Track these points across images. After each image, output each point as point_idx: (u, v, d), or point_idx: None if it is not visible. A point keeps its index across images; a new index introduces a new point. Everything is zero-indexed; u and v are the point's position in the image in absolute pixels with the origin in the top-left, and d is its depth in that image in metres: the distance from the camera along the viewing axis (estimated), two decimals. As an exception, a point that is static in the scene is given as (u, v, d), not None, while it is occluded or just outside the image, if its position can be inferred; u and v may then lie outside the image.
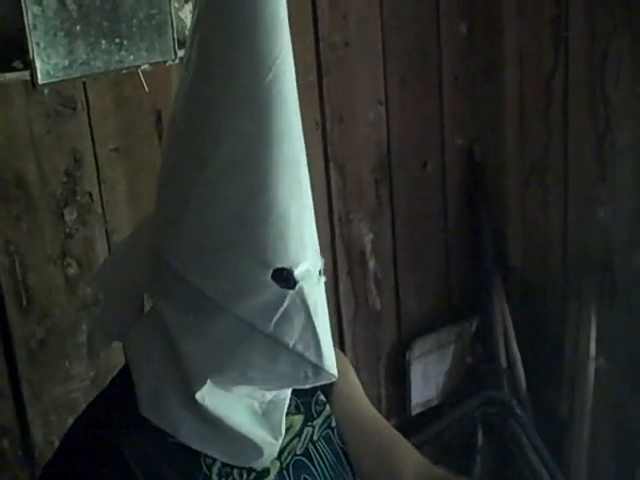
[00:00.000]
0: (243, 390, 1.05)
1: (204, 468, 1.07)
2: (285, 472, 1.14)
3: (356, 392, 1.31)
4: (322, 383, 1.06)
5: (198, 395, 1.01)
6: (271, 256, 0.98)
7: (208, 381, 1.01)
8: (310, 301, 1.00)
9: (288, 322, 0.99)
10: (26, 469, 1.66)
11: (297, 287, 0.99)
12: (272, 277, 0.98)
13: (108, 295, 1.16)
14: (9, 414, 1.63)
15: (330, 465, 1.19)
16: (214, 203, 0.99)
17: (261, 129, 0.97)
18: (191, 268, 1.00)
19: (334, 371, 1.02)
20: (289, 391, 1.12)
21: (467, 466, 2.36)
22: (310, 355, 1.00)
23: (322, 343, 1.01)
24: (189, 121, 1.02)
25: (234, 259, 0.98)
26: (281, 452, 1.13)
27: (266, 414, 1.08)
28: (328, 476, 1.18)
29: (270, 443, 1.07)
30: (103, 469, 1.01)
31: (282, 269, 0.99)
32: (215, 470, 1.08)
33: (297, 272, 0.99)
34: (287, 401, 1.11)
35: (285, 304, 0.99)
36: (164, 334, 1.03)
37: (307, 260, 1.01)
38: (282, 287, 0.99)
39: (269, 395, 1.08)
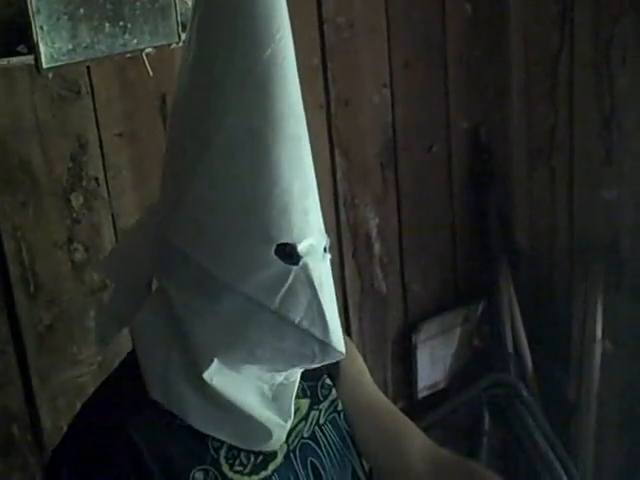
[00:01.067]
0: (252, 372, 1.05)
1: (212, 451, 1.07)
2: (292, 455, 1.15)
3: (363, 376, 1.31)
4: (330, 361, 1.06)
5: (206, 375, 1.01)
6: (274, 231, 0.98)
7: (215, 360, 1.01)
8: (315, 277, 1.00)
9: (293, 298, 0.99)
10: (35, 454, 1.67)
11: (301, 262, 0.99)
12: (276, 253, 0.98)
13: (117, 283, 1.16)
14: (18, 399, 1.64)
15: (336, 448, 1.20)
16: (217, 180, 0.99)
17: (262, 106, 0.98)
18: (196, 247, 1.00)
19: (341, 348, 1.02)
20: (298, 374, 1.12)
21: (474, 449, 2.36)
22: (316, 331, 1.00)
23: (328, 319, 1.00)
24: (191, 102, 1.03)
25: (238, 236, 0.99)
26: (288, 435, 1.14)
27: (276, 397, 1.08)
28: (334, 459, 1.19)
29: (279, 425, 1.08)
30: (111, 452, 1.02)
31: (285, 244, 0.98)
32: (222, 453, 1.08)
33: (301, 247, 0.99)
34: (296, 384, 1.12)
35: (289, 280, 0.99)
36: (170, 315, 1.03)
37: (311, 236, 1.01)
38: (286, 263, 0.99)
39: (279, 378, 1.08)
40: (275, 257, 0.98)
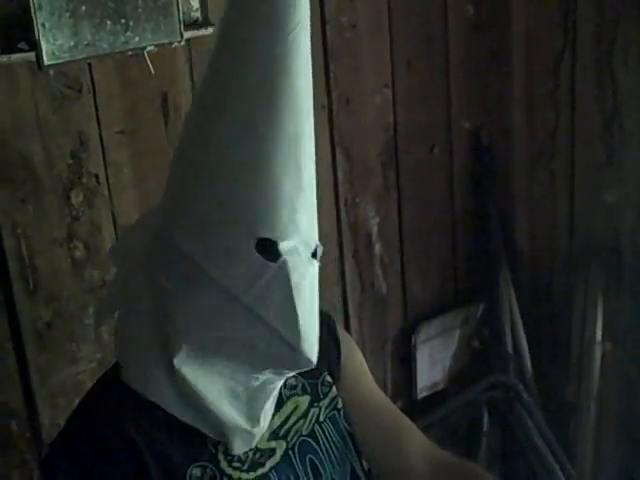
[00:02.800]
0: (225, 369, 1.03)
1: (210, 447, 1.07)
2: (291, 452, 1.15)
3: (363, 374, 1.31)
4: (299, 370, 1.04)
5: (175, 361, 1.00)
6: (257, 225, 0.97)
7: (184, 347, 1.00)
8: (293, 279, 0.98)
9: (268, 296, 0.98)
10: (34, 451, 1.67)
11: (280, 261, 0.98)
12: (256, 247, 0.97)
13: (119, 270, 1.16)
14: (17, 396, 1.64)
15: (336, 446, 1.20)
16: (212, 168, 0.99)
17: (263, 102, 0.97)
18: (186, 235, 1.00)
19: (312, 356, 0.99)
20: (279, 383, 1.10)
21: (473, 449, 2.36)
22: (287, 334, 0.98)
23: (301, 324, 0.98)
24: (200, 93, 1.04)
25: (222, 225, 0.98)
26: (287, 433, 1.14)
27: (249, 401, 1.06)
28: (333, 457, 1.19)
29: (244, 429, 1.06)
30: (109, 447, 1.02)
31: (267, 240, 0.97)
32: (221, 449, 1.08)
33: (282, 245, 0.98)
34: (274, 394, 1.10)
35: (266, 276, 0.97)
36: (153, 301, 1.03)
37: (297, 237, 0.99)
38: (265, 258, 0.98)
39: (255, 382, 1.05)
40: (254, 251, 0.97)
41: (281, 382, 1.10)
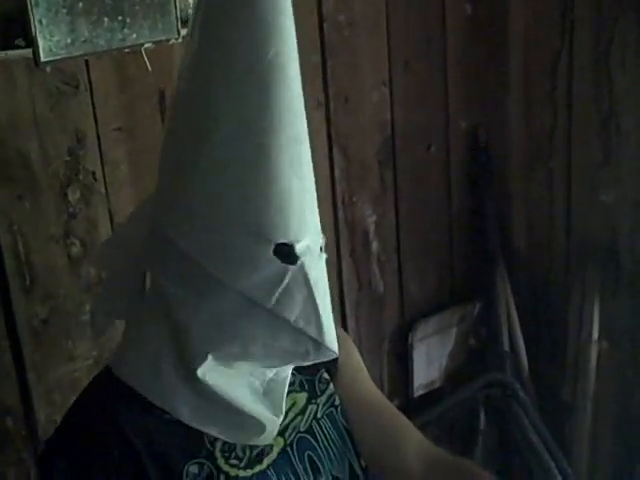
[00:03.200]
0: (244, 367, 1.05)
1: (207, 444, 1.08)
2: (289, 449, 1.15)
3: (360, 372, 1.32)
4: (323, 360, 1.07)
5: (199, 371, 1.01)
6: (272, 231, 0.98)
7: (209, 356, 1.01)
8: (311, 277, 1.01)
9: (289, 297, 1.00)
10: (30, 448, 1.67)
11: (298, 263, 1.00)
12: (274, 252, 0.99)
13: (110, 274, 1.16)
14: (13, 393, 1.64)
15: (333, 442, 1.20)
16: (216, 179, 0.99)
17: (262, 105, 0.97)
18: (193, 244, 1.00)
19: (335, 347, 1.03)
20: (290, 370, 1.12)
21: (469, 448, 2.37)
22: (311, 330, 1.01)
23: (323, 319, 1.01)
24: (192, 97, 1.03)
25: (235, 235, 0.99)
26: (285, 429, 1.14)
27: (267, 392, 1.09)
28: (331, 453, 1.19)
29: (271, 420, 1.08)
30: (105, 444, 1.02)
31: (284, 244, 0.99)
32: (218, 446, 1.08)
33: (298, 248, 0.99)
34: (288, 380, 1.12)
35: (286, 279, 0.99)
36: (165, 312, 1.03)
37: (308, 236, 1.01)
38: (284, 263, 0.99)
39: (270, 373, 1.08)
40: (273, 257, 0.99)
41: (291, 369, 1.13)
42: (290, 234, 0.99)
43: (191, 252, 1.00)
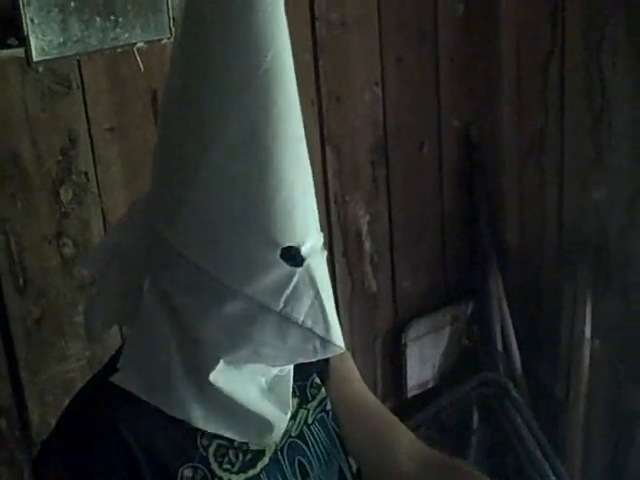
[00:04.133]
0: (250, 367, 1.06)
1: (200, 449, 1.07)
2: (280, 454, 1.15)
3: (352, 375, 1.31)
4: (330, 355, 1.07)
5: (212, 376, 1.01)
6: (279, 235, 0.98)
7: (221, 362, 1.01)
8: (317, 277, 1.01)
9: (297, 299, 1.00)
10: (23, 448, 1.67)
11: (305, 264, 1.00)
12: (280, 256, 0.99)
13: (104, 278, 1.15)
14: (6, 394, 1.64)
15: (324, 448, 1.20)
16: (220, 185, 0.98)
17: (262, 109, 0.97)
18: (198, 251, 1.00)
19: (341, 342, 1.03)
20: (292, 365, 1.12)
21: (462, 447, 2.37)
22: (319, 329, 1.01)
23: (329, 316, 1.01)
24: (188, 102, 1.01)
25: (242, 240, 0.98)
26: (276, 435, 1.14)
27: (272, 389, 1.09)
28: (322, 458, 1.19)
29: (279, 417, 1.09)
30: (101, 447, 1.02)
31: (290, 247, 0.99)
32: (211, 450, 1.08)
33: (304, 249, 1.00)
34: (292, 374, 1.13)
35: (294, 281, 0.99)
36: (173, 319, 1.03)
37: (311, 236, 1.01)
38: (290, 265, 0.99)
39: (274, 370, 1.09)
40: (280, 260, 0.99)
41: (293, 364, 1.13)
42: (296, 237, 0.99)
43: (196, 259, 0.99)
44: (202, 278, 0.99)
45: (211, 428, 1.05)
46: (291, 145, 0.99)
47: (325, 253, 1.06)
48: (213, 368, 1.01)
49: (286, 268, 0.99)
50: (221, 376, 1.02)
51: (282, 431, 1.10)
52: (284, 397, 1.10)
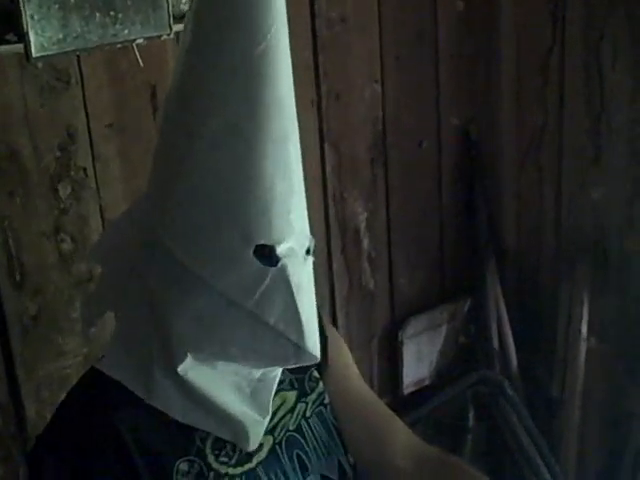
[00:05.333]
0: (229, 367, 1.04)
1: (197, 441, 1.07)
2: (278, 447, 1.14)
3: (350, 370, 1.32)
4: (304, 364, 1.05)
5: (180, 369, 1.01)
6: (254, 231, 0.98)
7: (189, 355, 1.00)
8: (293, 280, 0.99)
9: (269, 300, 0.99)
10: (19, 445, 1.67)
11: (279, 264, 0.98)
12: (254, 253, 0.98)
13: (104, 268, 1.16)
14: (2, 389, 1.63)
15: (322, 441, 1.20)
16: (201, 175, 0.98)
17: (250, 102, 0.96)
18: (177, 241, 1.00)
19: (316, 352, 1.01)
20: (279, 370, 1.12)
21: (458, 445, 2.37)
22: (291, 334, 0.99)
23: (304, 323, 1.00)
24: (181, 94, 1.02)
25: (217, 233, 0.98)
26: (274, 428, 1.14)
27: (254, 393, 1.08)
28: (320, 452, 1.19)
29: (256, 421, 1.07)
30: (96, 441, 1.02)
31: (264, 246, 0.98)
32: (209, 444, 1.08)
33: (280, 249, 0.98)
34: (276, 380, 1.11)
35: (266, 281, 0.98)
36: (150, 308, 1.03)
37: (292, 238, 1.00)
38: (264, 264, 0.98)
39: (256, 374, 1.07)
40: (253, 257, 0.98)
41: (281, 369, 1.12)
42: (272, 235, 0.98)
43: (175, 249, 0.99)
44: (179, 267, 0.99)
45: (189, 421, 1.04)
46: (275, 144, 0.97)
47: (312, 259, 1.04)
48: (181, 361, 1.00)
49: (259, 266, 0.98)
50: (192, 371, 1.01)
51: (259, 436, 1.09)
52: (264, 402, 1.08)
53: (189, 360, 1.01)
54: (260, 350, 1.01)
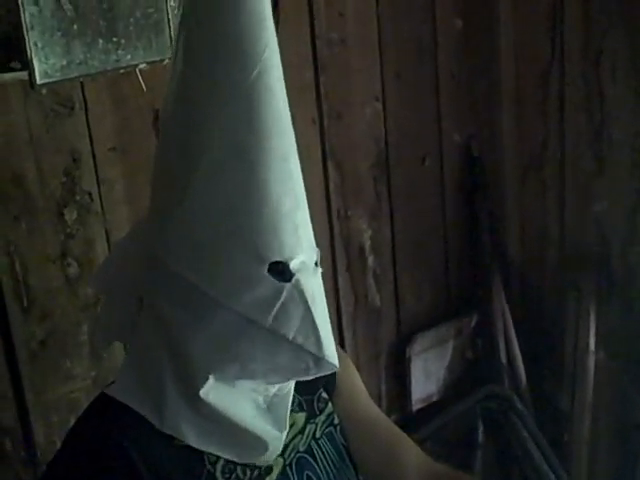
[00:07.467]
0: (247, 384, 1.05)
1: (208, 465, 1.07)
2: (288, 469, 1.14)
3: (358, 390, 1.31)
4: (325, 373, 1.06)
5: (202, 392, 1.01)
6: (266, 250, 0.98)
7: (210, 377, 1.01)
8: (307, 293, 1.00)
9: (286, 315, 0.99)
10: (29, 469, 1.66)
11: (294, 280, 1.00)
12: (268, 271, 0.99)
13: (108, 296, 1.16)
14: (11, 414, 1.63)
15: (333, 462, 1.20)
16: (207, 200, 0.99)
17: (248, 124, 0.98)
18: (187, 265, 1.00)
19: (335, 361, 1.02)
20: (292, 384, 1.12)
21: (468, 461, 2.36)
22: (310, 346, 1.00)
23: (321, 333, 1.01)
24: (179, 119, 1.03)
25: (229, 255, 0.99)
26: (284, 449, 1.13)
27: (270, 408, 1.08)
28: (331, 473, 1.19)
29: (275, 437, 1.08)
30: (107, 466, 1.01)
31: (278, 262, 0.99)
32: (219, 467, 1.08)
33: (293, 265, 1.00)
34: (291, 394, 1.12)
35: (282, 297, 0.99)
36: (164, 333, 1.03)
37: (302, 252, 1.01)
38: (279, 280, 0.99)
39: (272, 389, 1.08)
40: (267, 275, 0.99)
41: (293, 384, 1.12)
42: (284, 252, 0.99)
43: (186, 274, 1.00)
44: (192, 293, 1.00)
45: (203, 446, 1.04)
46: (277, 162, 0.99)
47: (320, 269, 1.06)
48: (203, 384, 1.00)
49: (274, 283, 0.99)
50: (212, 392, 1.01)
51: (278, 450, 1.09)
52: (282, 416, 1.09)
53: (211, 382, 1.01)
54: (281, 365, 1.02)
